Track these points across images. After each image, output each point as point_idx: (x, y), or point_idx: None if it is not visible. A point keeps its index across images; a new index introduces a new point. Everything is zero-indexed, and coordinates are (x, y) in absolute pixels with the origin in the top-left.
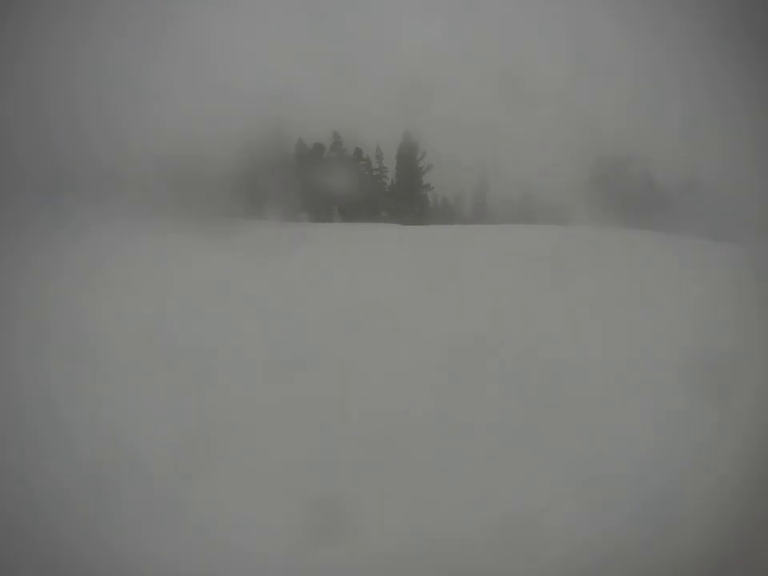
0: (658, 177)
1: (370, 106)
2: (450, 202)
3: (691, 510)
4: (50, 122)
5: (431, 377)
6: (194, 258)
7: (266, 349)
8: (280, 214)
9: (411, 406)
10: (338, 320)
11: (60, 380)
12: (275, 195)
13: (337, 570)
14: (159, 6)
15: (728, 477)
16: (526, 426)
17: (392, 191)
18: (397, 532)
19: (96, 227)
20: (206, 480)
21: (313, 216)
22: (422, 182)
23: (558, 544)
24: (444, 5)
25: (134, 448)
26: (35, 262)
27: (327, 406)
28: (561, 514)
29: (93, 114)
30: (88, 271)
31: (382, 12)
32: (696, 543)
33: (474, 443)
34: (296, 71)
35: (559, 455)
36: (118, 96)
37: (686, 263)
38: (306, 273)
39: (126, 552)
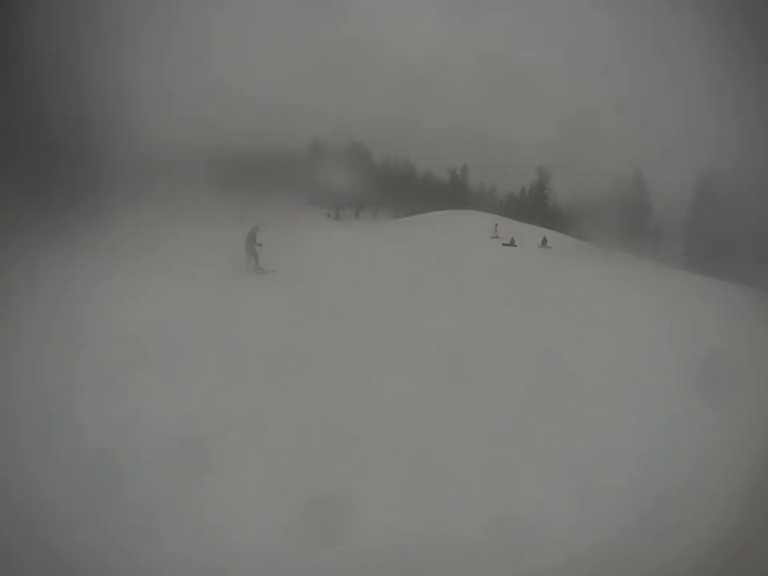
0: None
1: None
2: None
3: (691, 511)
4: None
5: (431, 377)
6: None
7: (266, 347)
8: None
9: (411, 406)
10: (339, 318)
11: (60, 379)
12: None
13: (336, 569)
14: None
15: (728, 478)
16: (526, 426)
17: None
18: (396, 532)
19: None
20: (206, 480)
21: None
22: None
23: (558, 545)
24: None
25: (134, 448)
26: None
27: (327, 406)
28: (560, 515)
29: None
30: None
31: None
32: (696, 544)
33: (474, 444)
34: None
35: (559, 456)
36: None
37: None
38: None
39: (126, 551)
